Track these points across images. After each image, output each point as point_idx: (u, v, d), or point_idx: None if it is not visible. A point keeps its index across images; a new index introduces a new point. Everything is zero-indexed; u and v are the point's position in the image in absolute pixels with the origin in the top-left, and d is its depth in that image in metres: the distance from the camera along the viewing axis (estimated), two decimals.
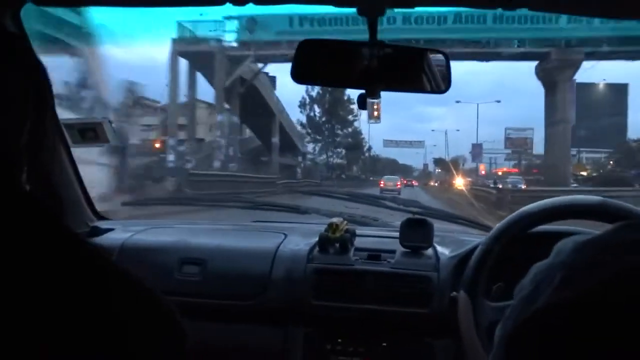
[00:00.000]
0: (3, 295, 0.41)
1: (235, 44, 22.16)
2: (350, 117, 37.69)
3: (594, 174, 25.58)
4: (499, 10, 1.05)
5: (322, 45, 1.09)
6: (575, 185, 21.64)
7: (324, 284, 1.29)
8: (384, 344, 1.27)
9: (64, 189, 1.27)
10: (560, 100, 21.70)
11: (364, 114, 1.14)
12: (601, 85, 31.75)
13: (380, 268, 1.30)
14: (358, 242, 1.40)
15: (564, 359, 0.37)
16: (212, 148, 22.88)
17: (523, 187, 20.65)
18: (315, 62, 1.06)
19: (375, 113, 1.11)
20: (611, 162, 26.94)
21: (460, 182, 20.95)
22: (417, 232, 1.35)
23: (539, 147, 34.59)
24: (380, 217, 1.79)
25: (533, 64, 22.51)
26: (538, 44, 20.72)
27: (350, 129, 38.87)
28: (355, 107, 33.42)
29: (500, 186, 19.20)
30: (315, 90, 35.53)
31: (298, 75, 1.06)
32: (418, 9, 1.17)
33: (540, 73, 22.33)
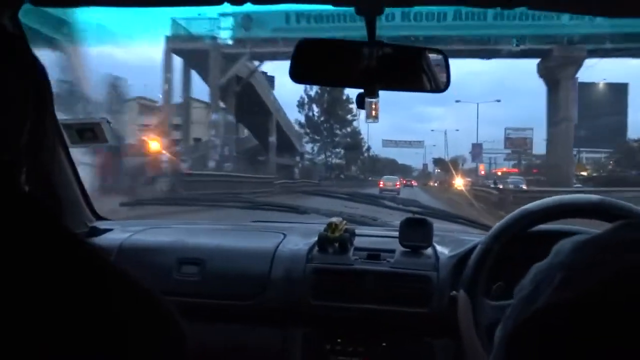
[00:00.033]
0: (1, 296, 0.42)
1: (230, 42, 22.18)
2: (349, 117, 37.87)
3: (594, 174, 25.66)
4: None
5: (321, 44, 1.11)
6: (578, 185, 21.63)
7: (324, 284, 1.31)
8: (384, 344, 1.29)
9: (62, 189, 1.29)
10: (562, 98, 21.65)
11: (363, 113, 1.17)
12: (601, 85, 31.92)
13: (379, 268, 1.32)
14: (357, 241, 1.42)
15: (565, 358, 0.38)
16: (207, 148, 22.86)
17: (524, 187, 20.67)
18: (314, 61, 1.08)
19: (374, 113, 1.13)
20: (611, 163, 27.05)
21: (459, 183, 21.01)
22: (416, 231, 1.37)
23: (538, 147, 35.00)
24: (380, 217, 1.82)
25: (534, 62, 22.53)
26: (540, 41, 20.64)
27: (349, 129, 39.06)
28: (354, 106, 33.65)
29: (501, 186, 19.23)
30: (314, 90, 35.70)
31: (297, 75, 1.07)
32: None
33: (542, 71, 22.29)
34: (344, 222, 1.44)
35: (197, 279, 1.34)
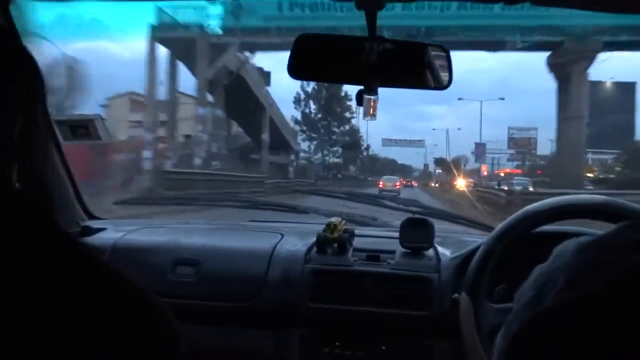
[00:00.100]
0: None
1: (219, 31, 22.10)
2: (347, 114, 37.96)
3: (601, 176, 25.73)
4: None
5: (320, 40, 1.14)
6: (590, 187, 21.55)
7: (322, 286, 1.35)
8: (383, 347, 1.34)
9: (55, 187, 1.34)
10: (574, 94, 21.42)
11: (361, 111, 1.18)
12: (609, 84, 32.12)
13: (379, 269, 1.37)
14: (357, 242, 1.47)
15: (569, 359, 0.40)
16: (193, 144, 22.77)
17: (531, 189, 20.71)
18: (313, 57, 1.11)
19: (372, 110, 1.14)
20: (620, 164, 27.15)
21: (462, 183, 21.02)
22: (417, 232, 1.42)
23: (542, 148, 35.34)
24: (380, 217, 1.87)
25: (540, 58, 22.32)
26: (550, 32, 20.36)
27: (347, 127, 39.13)
28: (352, 103, 33.68)
29: (506, 188, 19.28)
30: (311, 86, 35.76)
31: (295, 71, 1.11)
32: None
33: (552, 65, 22.11)
34: (343, 222, 1.49)
35: (192, 280, 1.39)
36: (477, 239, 1.46)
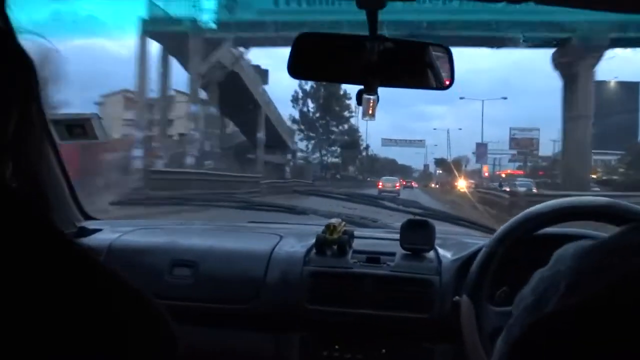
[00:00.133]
0: None
1: (213, 25, 22.08)
2: (346, 114, 38.09)
3: (604, 177, 25.80)
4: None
5: (320, 39, 1.17)
6: (597, 189, 21.56)
7: (321, 288, 1.38)
8: (383, 351, 1.37)
9: (50, 187, 1.37)
10: (581, 93, 21.31)
11: (361, 110, 1.21)
12: (612, 83, 32.27)
13: (379, 271, 1.40)
14: (356, 244, 1.50)
15: None
16: (185, 143, 22.75)
17: (534, 190, 20.74)
18: (313, 56, 1.13)
19: (370, 110, 1.16)
20: (624, 165, 27.27)
21: (463, 184, 21.07)
22: (417, 233, 1.44)
23: (544, 149, 35.60)
24: (380, 218, 1.91)
25: (544, 55, 22.27)
26: (556, 29, 20.27)
27: (346, 126, 39.25)
28: (351, 102, 33.75)
29: (508, 189, 19.32)
30: (309, 84, 35.82)
31: (295, 70, 1.13)
32: None
33: (557, 62, 22.01)
34: (343, 223, 1.52)
35: (189, 282, 1.42)
36: (479, 240, 1.49)
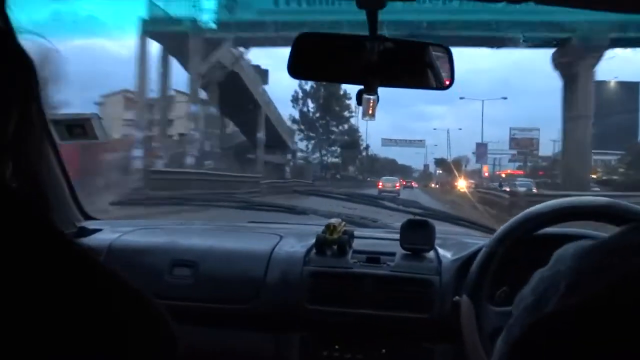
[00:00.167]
0: None
1: (213, 25, 22.11)
2: (346, 114, 38.21)
3: (604, 177, 25.86)
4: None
5: (320, 39, 1.17)
6: (597, 189, 21.57)
7: (321, 288, 1.39)
8: (383, 351, 1.37)
9: (50, 187, 1.37)
10: (581, 93, 21.32)
11: (361, 110, 1.21)
12: (612, 84, 32.37)
13: (379, 271, 1.40)
14: (356, 244, 1.50)
15: None
16: (185, 143, 22.77)
17: (534, 191, 20.77)
18: (313, 56, 1.14)
19: (370, 110, 1.16)
20: (623, 165, 27.34)
21: (463, 184, 21.12)
22: (417, 233, 1.45)
23: (544, 149, 35.78)
24: (380, 218, 1.92)
25: (544, 55, 22.25)
26: (556, 28, 20.23)
27: (346, 126, 39.38)
28: (351, 102, 33.84)
29: (508, 189, 19.34)
30: (309, 84, 35.93)
31: (295, 71, 1.14)
32: None
33: (558, 61, 21.97)
34: (343, 223, 1.53)
35: (189, 282, 1.42)
36: (479, 240, 1.49)
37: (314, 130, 38.19)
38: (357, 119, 38.42)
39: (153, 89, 22.23)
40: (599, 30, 19.64)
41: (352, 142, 40.04)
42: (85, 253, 0.51)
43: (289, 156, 33.48)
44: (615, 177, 24.48)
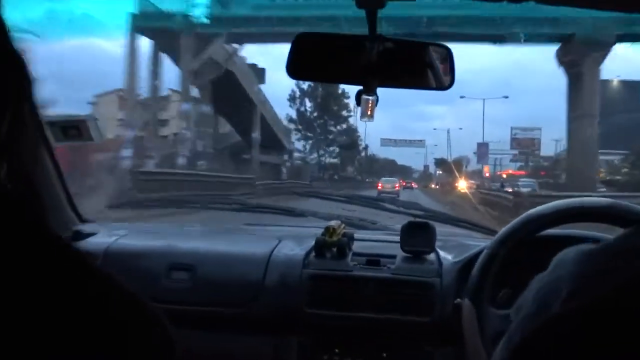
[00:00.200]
0: None
1: (206, 20, 22.09)
2: (344, 113, 38.31)
3: (608, 177, 25.91)
4: None
5: (319, 39, 1.19)
6: (603, 189, 21.52)
7: (321, 291, 1.41)
8: (384, 354, 1.40)
9: (45, 190, 1.40)
10: (586, 90, 21.37)
11: (359, 110, 1.22)
12: (615, 82, 32.50)
13: (379, 274, 1.43)
14: (356, 246, 1.53)
15: None
16: (176, 143, 22.74)
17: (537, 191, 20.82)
18: (312, 57, 1.16)
19: (369, 111, 1.17)
20: (626, 165, 27.41)
21: (463, 185, 21.17)
22: (418, 236, 1.48)
23: (545, 149, 36.13)
24: (380, 220, 1.94)
25: (546, 53, 22.12)
26: (560, 24, 20.21)
27: (344, 126, 39.50)
28: (350, 101, 33.87)
29: (511, 189, 19.37)
30: (307, 83, 35.89)
31: (294, 71, 1.15)
32: None
33: (562, 58, 21.98)
34: (343, 225, 1.55)
35: (187, 286, 1.45)
36: (480, 242, 1.52)
37: (311, 130, 38.29)
38: (356, 119, 38.52)
39: (143, 87, 22.22)
40: (605, 26, 19.59)
41: (350, 142, 40.15)
42: (81, 257, 0.51)
43: (286, 156, 33.54)
44: (618, 177, 24.49)
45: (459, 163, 36.75)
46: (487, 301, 1.25)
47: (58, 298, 0.46)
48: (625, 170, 25.28)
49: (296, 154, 36.83)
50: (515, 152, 38.35)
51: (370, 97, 1.15)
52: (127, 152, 18.26)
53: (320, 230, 1.51)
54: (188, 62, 21.38)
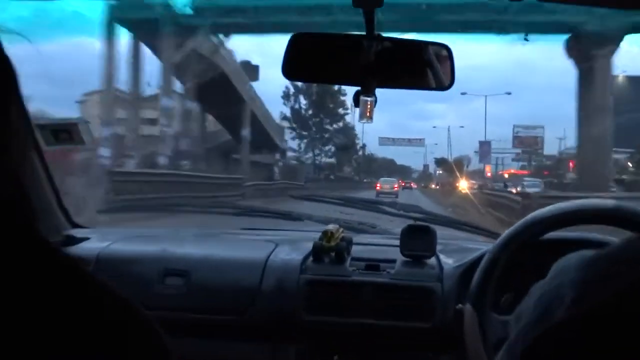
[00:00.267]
0: None
1: (189, 10, 22.04)
2: (341, 111, 38.37)
3: (615, 177, 26.01)
4: None
5: (315, 39, 1.24)
6: (614, 189, 21.42)
7: (318, 297, 1.47)
8: None
9: (35, 194, 1.45)
10: (598, 83, 21.34)
11: (357, 110, 1.22)
12: (621, 78, 32.61)
13: (379, 279, 1.48)
14: (355, 250, 1.58)
15: None
16: (158, 141, 22.66)
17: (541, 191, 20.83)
18: (308, 57, 1.20)
19: (368, 112, 1.20)
20: (630, 164, 27.58)
21: (464, 185, 21.20)
22: (418, 239, 1.52)
23: (548, 147, 36.53)
24: (379, 224, 2.00)
25: (548, 50, 21.99)
26: (571, 12, 19.86)
27: (341, 124, 39.56)
28: (346, 99, 33.84)
29: (514, 190, 19.38)
30: None
31: (289, 72, 1.20)
32: None
33: (572, 48, 21.96)
34: (341, 229, 1.59)
35: (181, 292, 1.50)
36: (481, 246, 1.57)
37: (306, 129, 38.41)
38: (353, 117, 38.57)
39: (124, 83, 22.14)
40: (616, 15, 19.54)
41: (347, 141, 40.17)
42: (73, 263, 0.52)
43: (278, 156, 33.50)
44: (624, 177, 24.57)
45: (460, 162, 36.96)
46: (490, 307, 1.28)
47: (48, 305, 0.47)
48: (632, 169, 25.35)
49: (291, 154, 36.93)
50: (518, 151, 38.59)
51: (368, 98, 1.18)
52: (104, 152, 18.19)
53: (318, 235, 1.54)
54: (169, 54, 21.30)
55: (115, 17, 20.92)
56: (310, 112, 38.92)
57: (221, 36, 23.27)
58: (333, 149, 39.95)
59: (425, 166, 53.40)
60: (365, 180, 39.07)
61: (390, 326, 1.44)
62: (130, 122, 23.04)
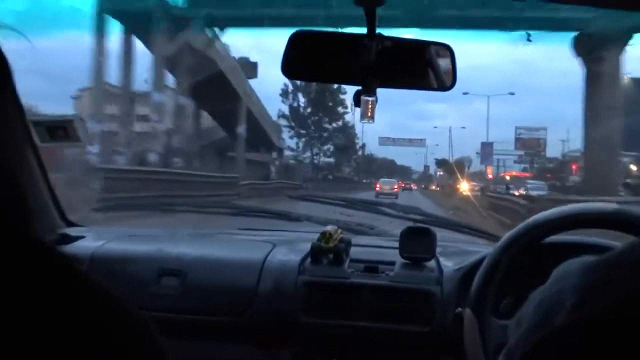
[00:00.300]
0: None
1: (181, 2, 22.02)
2: (340, 109, 38.41)
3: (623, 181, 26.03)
4: None
5: (316, 37, 1.27)
6: (622, 193, 21.31)
7: (317, 299, 1.49)
8: None
9: (30, 192, 1.46)
10: (606, 81, 21.22)
11: (357, 109, 1.24)
12: (625, 79, 32.64)
13: (377, 281, 1.51)
14: (354, 252, 1.60)
15: None
16: (149, 138, 22.63)
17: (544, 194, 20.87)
18: (308, 56, 1.22)
19: (369, 113, 1.22)
20: (634, 167, 27.67)
21: (465, 187, 21.23)
22: (418, 241, 1.55)
23: (551, 150, 36.77)
24: (378, 225, 2.03)
25: (549, 51, 21.96)
26: (578, 7, 20.31)
27: (340, 123, 39.57)
28: (345, 97, 33.82)
29: (517, 193, 19.41)
30: None
31: (289, 71, 1.23)
32: None
33: (579, 46, 21.87)
34: (339, 231, 1.62)
35: (177, 293, 1.52)
36: (482, 248, 1.61)
37: (305, 127, 38.42)
38: (353, 116, 38.57)
39: (115, 77, 22.10)
40: (626, 12, 19.40)
41: (346, 140, 40.20)
42: (66, 262, 0.52)
43: (275, 154, 33.49)
44: (629, 181, 24.57)
45: (461, 164, 37.10)
46: (490, 311, 1.30)
47: (41, 304, 0.47)
48: (636, 173, 25.34)
49: (289, 153, 36.95)
50: (520, 152, 38.76)
51: (369, 98, 1.21)
52: (93, 148, 18.16)
53: (316, 236, 1.56)
54: (161, 46, 21.27)
55: (106, 8, 20.87)
56: (309, 110, 39.00)
57: (216, 30, 23.26)
58: (332, 148, 40.03)
59: (426, 167, 53.78)
60: (364, 180, 39.19)
61: (388, 329, 1.46)
62: (123, 118, 23.03)
